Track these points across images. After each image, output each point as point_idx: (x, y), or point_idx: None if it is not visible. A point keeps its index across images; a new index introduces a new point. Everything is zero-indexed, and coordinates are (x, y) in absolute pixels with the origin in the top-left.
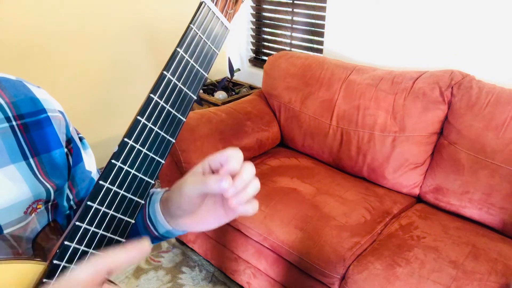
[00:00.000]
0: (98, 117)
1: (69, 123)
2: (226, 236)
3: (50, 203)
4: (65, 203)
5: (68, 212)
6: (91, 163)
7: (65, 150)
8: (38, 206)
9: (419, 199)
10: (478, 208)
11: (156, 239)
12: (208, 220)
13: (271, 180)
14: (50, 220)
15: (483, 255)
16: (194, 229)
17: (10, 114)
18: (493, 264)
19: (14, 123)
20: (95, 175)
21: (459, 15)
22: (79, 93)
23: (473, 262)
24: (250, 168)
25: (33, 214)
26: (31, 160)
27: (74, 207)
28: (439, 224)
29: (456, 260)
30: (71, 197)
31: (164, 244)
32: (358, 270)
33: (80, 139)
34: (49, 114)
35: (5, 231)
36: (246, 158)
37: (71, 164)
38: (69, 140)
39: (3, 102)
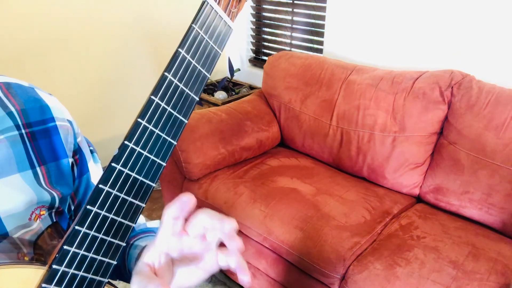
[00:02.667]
0: (98, 117)
1: (78, 133)
2: None
3: (54, 210)
4: (67, 212)
5: (69, 221)
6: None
7: (71, 160)
8: (41, 212)
9: (419, 199)
10: (478, 208)
11: None
12: (186, 282)
13: (271, 180)
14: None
15: (483, 255)
16: None
17: (19, 122)
18: (493, 264)
19: (23, 131)
20: None
21: (459, 15)
22: (79, 94)
23: (473, 262)
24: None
25: (37, 221)
26: (38, 169)
27: (73, 217)
28: (439, 224)
29: (456, 260)
30: (72, 206)
31: None
32: (358, 270)
33: (92, 151)
34: (57, 123)
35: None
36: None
37: (76, 174)
38: (76, 151)
39: (13, 110)
